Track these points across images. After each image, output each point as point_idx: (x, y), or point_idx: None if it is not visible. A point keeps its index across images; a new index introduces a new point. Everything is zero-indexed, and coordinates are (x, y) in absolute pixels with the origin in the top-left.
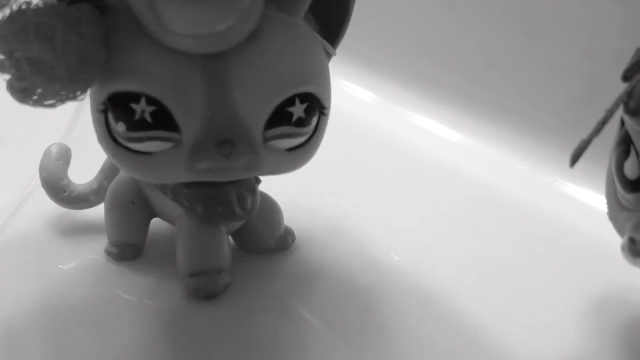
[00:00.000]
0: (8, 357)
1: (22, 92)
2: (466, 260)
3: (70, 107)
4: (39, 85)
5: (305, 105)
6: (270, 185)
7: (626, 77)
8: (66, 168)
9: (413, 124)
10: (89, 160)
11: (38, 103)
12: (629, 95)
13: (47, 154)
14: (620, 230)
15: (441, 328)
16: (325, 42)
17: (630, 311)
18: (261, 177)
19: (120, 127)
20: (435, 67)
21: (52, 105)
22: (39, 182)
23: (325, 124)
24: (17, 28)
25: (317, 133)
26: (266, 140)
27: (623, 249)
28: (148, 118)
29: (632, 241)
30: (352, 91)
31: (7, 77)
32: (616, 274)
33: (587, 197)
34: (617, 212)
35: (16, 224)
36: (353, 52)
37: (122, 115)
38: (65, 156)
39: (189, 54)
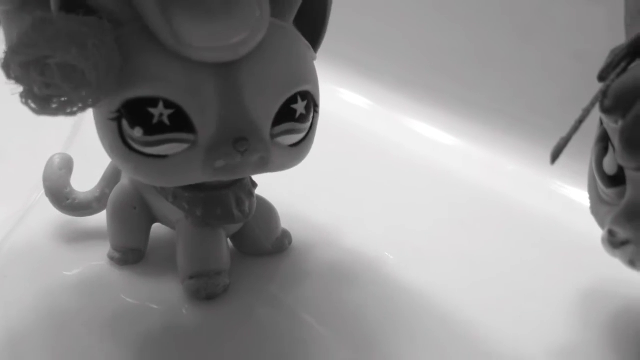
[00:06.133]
0: None
1: (44, 100)
2: (459, 258)
3: (71, 117)
4: (66, 92)
5: (305, 103)
6: (267, 188)
7: (601, 77)
8: (69, 177)
9: (407, 128)
10: (91, 169)
11: (58, 111)
12: (604, 94)
13: (49, 163)
14: (601, 223)
15: (435, 324)
16: (309, 45)
17: (617, 303)
18: (262, 178)
19: (137, 132)
20: (427, 71)
21: (72, 113)
22: (43, 191)
23: (317, 121)
24: (49, 35)
25: (312, 129)
26: (273, 136)
27: (603, 240)
28: (166, 121)
29: (611, 233)
30: (347, 97)
31: (20, 88)
32: (603, 268)
33: (577, 195)
34: (598, 206)
35: (21, 231)
36: (347, 59)
37: (139, 120)
38: (67, 165)
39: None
